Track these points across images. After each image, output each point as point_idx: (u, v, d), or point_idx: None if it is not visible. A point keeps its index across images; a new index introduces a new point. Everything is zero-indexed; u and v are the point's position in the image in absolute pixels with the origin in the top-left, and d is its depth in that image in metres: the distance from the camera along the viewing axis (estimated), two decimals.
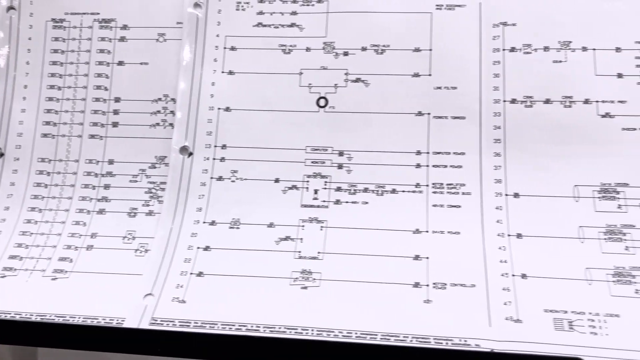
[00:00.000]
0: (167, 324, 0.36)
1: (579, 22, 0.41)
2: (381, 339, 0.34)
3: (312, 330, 0.35)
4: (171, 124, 0.44)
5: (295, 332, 0.35)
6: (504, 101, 0.41)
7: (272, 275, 0.38)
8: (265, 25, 0.44)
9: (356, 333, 0.34)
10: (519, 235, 0.38)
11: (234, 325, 0.35)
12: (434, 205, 0.40)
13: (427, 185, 0.40)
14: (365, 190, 0.41)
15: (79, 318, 0.37)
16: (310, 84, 0.43)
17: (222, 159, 0.42)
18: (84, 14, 0.46)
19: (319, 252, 0.39)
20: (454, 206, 0.39)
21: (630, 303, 0.34)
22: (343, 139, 0.42)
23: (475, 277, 0.36)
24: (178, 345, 0.34)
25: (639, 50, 0.40)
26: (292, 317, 0.35)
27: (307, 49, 0.43)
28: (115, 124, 0.45)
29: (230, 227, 0.40)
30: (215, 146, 0.43)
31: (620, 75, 0.40)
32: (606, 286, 0.35)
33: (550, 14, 0.42)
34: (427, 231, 0.39)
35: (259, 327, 0.35)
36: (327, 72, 0.43)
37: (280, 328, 0.35)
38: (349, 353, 0.33)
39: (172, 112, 0.44)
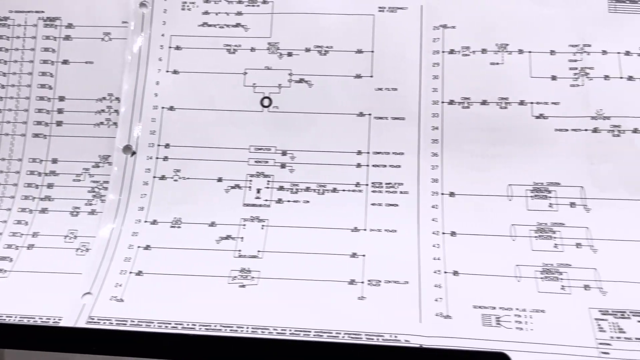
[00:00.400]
0: (104, 323, 0.36)
1: (515, 25, 0.42)
2: (314, 335, 0.35)
3: (247, 327, 0.35)
4: (115, 123, 0.44)
5: (231, 330, 0.35)
6: (442, 102, 0.42)
7: (211, 274, 0.38)
8: (210, 25, 0.45)
9: (290, 330, 0.35)
10: (453, 233, 0.39)
11: (170, 324, 0.36)
12: (373, 204, 0.40)
13: (367, 185, 0.41)
14: (307, 189, 0.41)
15: (16, 317, 0.37)
16: (254, 84, 0.43)
17: (165, 158, 0.42)
18: (29, 12, 0.46)
19: (259, 251, 0.39)
20: (392, 205, 0.40)
21: (555, 299, 0.36)
22: (286, 139, 0.42)
23: (409, 274, 0.37)
24: (113, 344, 0.34)
25: (572, 53, 0.42)
26: (229, 315, 0.36)
27: (252, 49, 0.44)
28: (59, 123, 0.44)
29: (172, 226, 0.40)
30: (159, 145, 0.43)
31: (554, 78, 0.41)
32: (534, 283, 0.36)
33: (488, 17, 0.43)
34: (365, 229, 0.39)
35: (194, 325, 0.35)
36: (271, 72, 0.43)
37: (215, 326, 0.35)
38: (281, 350, 0.33)
39: (117, 111, 0.44)
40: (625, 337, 0.34)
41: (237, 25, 0.44)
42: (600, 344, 0.34)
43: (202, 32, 0.44)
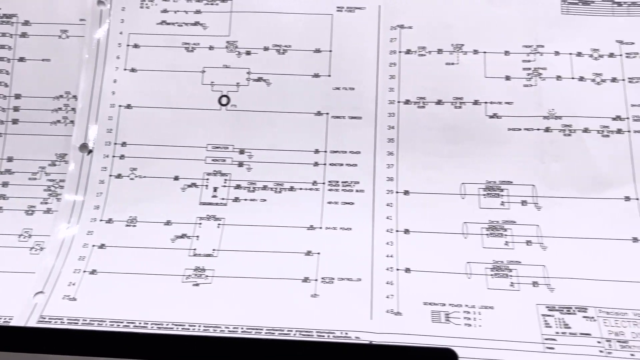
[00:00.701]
0: (56, 322, 0.36)
1: (471, 26, 0.43)
2: (266, 333, 0.35)
3: (199, 326, 0.35)
4: (72, 121, 0.43)
5: (183, 329, 0.35)
6: (399, 102, 0.42)
7: (165, 272, 0.38)
8: (169, 23, 0.44)
9: (242, 328, 0.35)
10: (406, 231, 0.39)
11: (122, 322, 0.35)
12: (329, 203, 0.40)
13: (324, 183, 0.41)
14: (264, 188, 0.41)
15: None
16: (212, 82, 0.43)
17: (122, 157, 0.42)
18: None
19: (214, 250, 0.39)
20: (348, 203, 0.40)
21: (504, 295, 0.36)
22: (244, 137, 0.42)
23: (362, 272, 0.37)
24: (62, 343, 0.34)
25: (526, 54, 0.42)
26: (182, 313, 0.36)
27: (210, 48, 0.44)
28: (15, 121, 0.44)
29: (127, 225, 0.40)
30: (115, 144, 0.42)
31: (508, 78, 0.42)
32: (484, 279, 0.37)
33: (444, 18, 0.43)
34: (320, 227, 0.40)
35: (147, 323, 0.35)
36: (230, 71, 0.43)
37: (168, 324, 0.35)
38: (232, 348, 0.33)
39: (74, 109, 0.43)
40: (570, 333, 0.34)
41: (196, 23, 0.44)
42: (546, 339, 0.34)
43: (160, 30, 0.44)
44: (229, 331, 0.35)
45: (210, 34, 0.44)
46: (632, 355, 0.34)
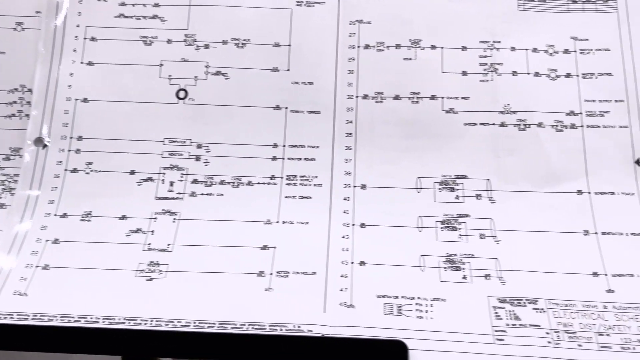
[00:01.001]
0: (5, 317, 0.35)
1: (429, 22, 0.43)
2: (218, 327, 0.35)
3: (151, 320, 0.35)
4: (27, 115, 0.43)
5: (134, 323, 0.35)
6: (357, 97, 0.42)
7: (119, 267, 0.38)
8: (127, 17, 0.44)
9: (194, 322, 0.35)
10: (362, 225, 0.39)
11: (73, 317, 0.35)
12: (287, 197, 0.40)
13: (282, 177, 0.41)
14: (222, 182, 0.41)
15: None
16: (170, 76, 0.43)
17: (78, 151, 0.42)
18: None
19: (169, 244, 0.39)
20: (306, 197, 0.40)
21: (456, 288, 0.36)
22: (202, 131, 0.42)
23: (317, 265, 0.37)
24: (11, 339, 0.33)
25: (483, 49, 0.43)
26: (134, 308, 0.35)
27: (169, 41, 0.43)
28: None
29: (82, 220, 0.40)
30: (71, 137, 0.42)
31: (464, 73, 0.42)
32: (437, 272, 0.37)
33: (402, 13, 0.44)
34: (277, 222, 0.40)
35: (98, 318, 0.35)
36: (188, 65, 0.43)
37: (119, 319, 0.35)
38: (183, 342, 0.33)
39: (29, 103, 0.43)
40: (520, 324, 0.35)
41: (154, 16, 0.44)
42: (496, 331, 0.35)
43: (118, 23, 0.44)
44: (181, 325, 0.35)
45: (169, 28, 0.44)
46: (579, 345, 0.34)
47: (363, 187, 0.41)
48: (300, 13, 0.44)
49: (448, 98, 0.42)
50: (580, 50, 0.42)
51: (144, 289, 0.37)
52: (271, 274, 0.37)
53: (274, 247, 0.38)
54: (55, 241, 0.39)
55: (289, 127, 0.42)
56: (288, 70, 0.43)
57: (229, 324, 0.35)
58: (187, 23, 0.44)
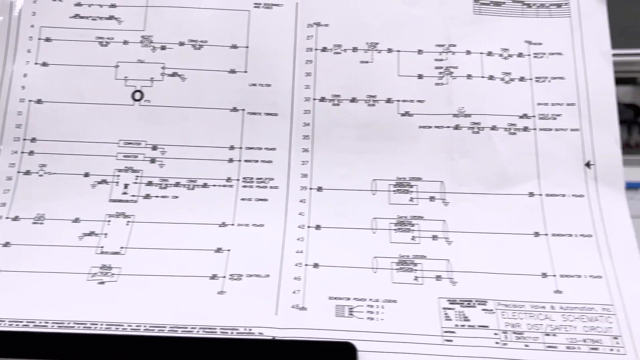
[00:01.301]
0: None
1: (386, 25, 0.44)
2: (169, 330, 0.34)
3: (101, 324, 0.35)
4: None
5: (84, 327, 0.34)
6: (314, 99, 0.42)
7: (70, 271, 0.37)
8: (82, 17, 0.44)
9: (145, 326, 0.35)
10: (317, 227, 0.39)
11: (21, 322, 0.35)
12: (243, 199, 0.40)
13: (238, 180, 0.41)
14: (177, 184, 0.41)
15: None
16: (126, 77, 0.42)
17: (31, 153, 0.41)
18: None
19: (122, 247, 0.38)
20: (262, 199, 0.40)
21: (407, 289, 0.37)
22: (157, 133, 0.42)
23: (271, 268, 0.38)
24: None
25: (438, 52, 0.43)
26: (84, 312, 0.35)
27: (125, 42, 0.43)
28: None
29: (34, 223, 0.39)
30: (25, 139, 0.41)
31: (420, 76, 0.43)
32: (389, 274, 0.38)
33: (360, 16, 0.44)
34: (232, 224, 0.40)
35: (47, 322, 0.35)
36: (144, 66, 0.43)
37: (69, 323, 0.35)
38: (132, 345, 0.33)
39: None
40: (469, 325, 0.35)
41: (110, 17, 0.44)
42: (445, 332, 0.35)
43: (73, 23, 0.43)
44: (132, 329, 0.34)
45: (125, 29, 0.43)
46: (526, 345, 0.35)
47: (319, 189, 0.41)
48: (258, 15, 0.44)
49: (404, 101, 0.42)
50: (534, 54, 0.43)
51: (95, 292, 0.36)
52: (224, 277, 0.37)
53: (228, 250, 0.38)
54: (6, 244, 0.38)
55: (245, 129, 0.42)
56: (245, 72, 0.43)
57: (180, 327, 0.35)
58: (144, 24, 0.43)
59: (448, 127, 0.42)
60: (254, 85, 0.43)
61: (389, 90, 0.42)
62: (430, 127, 0.42)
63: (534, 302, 0.36)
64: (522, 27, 0.44)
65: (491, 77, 0.43)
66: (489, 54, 0.43)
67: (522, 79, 0.42)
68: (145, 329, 0.34)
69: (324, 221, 0.40)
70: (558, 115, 0.42)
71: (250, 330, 0.35)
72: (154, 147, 0.41)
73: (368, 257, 0.38)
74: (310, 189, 0.41)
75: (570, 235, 0.39)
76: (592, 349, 0.35)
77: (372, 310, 0.36)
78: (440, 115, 0.42)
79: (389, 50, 0.43)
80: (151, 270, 0.37)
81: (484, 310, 0.36)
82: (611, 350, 0.35)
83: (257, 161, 0.41)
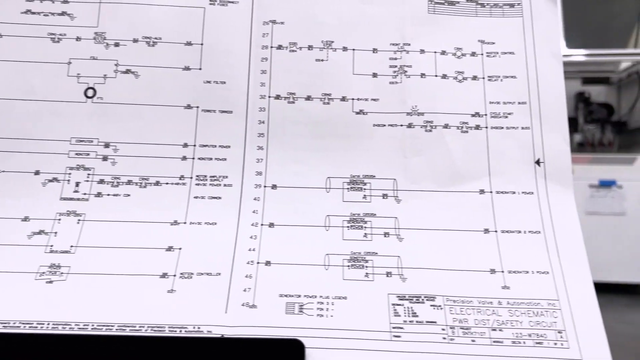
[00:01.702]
0: None
1: (341, 23, 0.44)
2: (117, 329, 0.34)
3: (48, 324, 0.34)
4: None
5: (30, 327, 0.34)
6: (269, 97, 0.42)
7: (18, 270, 0.37)
8: (34, 13, 0.43)
9: (93, 325, 0.34)
10: (271, 225, 0.39)
11: None
12: (196, 197, 0.40)
13: (191, 178, 0.41)
14: (129, 182, 0.40)
15: None
16: (78, 74, 0.42)
17: None
18: None
19: (72, 246, 0.38)
20: (215, 197, 0.40)
21: (358, 286, 0.37)
22: (110, 131, 0.41)
23: (223, 266, 0.38)
24: None
25: (393, 51, 0.44)
26: (31, 311, 0.35)
27: (77, 39, 0.43)
28: None
29: None
30: None
31: (375, 75, 0.43)
32: (340, 271, 0.38)
33: (315, 14, 0.44)
34: (185, 222, 0.39)
35: None
36: (97, 63, 0.42)
37: (15, 323, 0.34)
38: (78, 345, 0.33)
39: None
40: (417, 321, 0.36)
41: (63, 13, 0.43)
42: (394, 327, 0.35)
43: (25, 19, 0.43)
44: (79, 328, 0.34)
45: (78, 25, 0.43)
46: (472, 341, 0.35)
47: (274, 187, 0.41)
48: (213, 12, 0.44)
49: (358, 99, 0.43)
50: (487, 53, 0.44)
51: (43, 292, 0.36)
52: (175, 275, 0.37)
53: (180, 249, 0.38)
54: None
55: (199, 127, 0.42)
56: (200, 69, 0.43)
57: (128, 326, 0.34)
58: (97, 20, 0.43)
59: (401, 125, 0.42)
60: (209, 82, 0.42)
61: (344, 88, 0.43)
62: (384, 125, 0.42)
63: (482, 298, 0.37)
64: (476, 26, 0.44)
65: (444, 76, 0.43)
66: (443, 53, 0.44)
67: (474, 77, 0.43)
68: (93, 328, 0.34)
69: (277, 219, 0.40)
70: (509, 113, 0.42)
71: (199, 328, 0.35)
72: (107, 145, 0.41)
73: (320, 254, 0.38)
74: (265, 186, 0.41)
75: (519, 232, 0.40)
76: (537, 343, 0.35)
77: (322, 307, 0.36)
78: (394, 114, 0.42)
79: (344, 49, 0.43)
80: (101, 269, 0.37)
81: (432, 306, 0.36)
82: (555, 344, 0.35)
83: (211, 159, 0.41)
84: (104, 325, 0.34)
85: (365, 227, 0.40)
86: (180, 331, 0.34)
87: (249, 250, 0.38)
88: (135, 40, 0.43)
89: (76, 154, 0.41)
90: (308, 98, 0.43)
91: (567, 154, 0.42)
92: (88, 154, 0.41)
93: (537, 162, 0.42)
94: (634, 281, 1.78)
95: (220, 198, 0.40)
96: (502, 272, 0.38)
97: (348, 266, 0.38)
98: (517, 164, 0.41)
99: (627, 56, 2.37)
